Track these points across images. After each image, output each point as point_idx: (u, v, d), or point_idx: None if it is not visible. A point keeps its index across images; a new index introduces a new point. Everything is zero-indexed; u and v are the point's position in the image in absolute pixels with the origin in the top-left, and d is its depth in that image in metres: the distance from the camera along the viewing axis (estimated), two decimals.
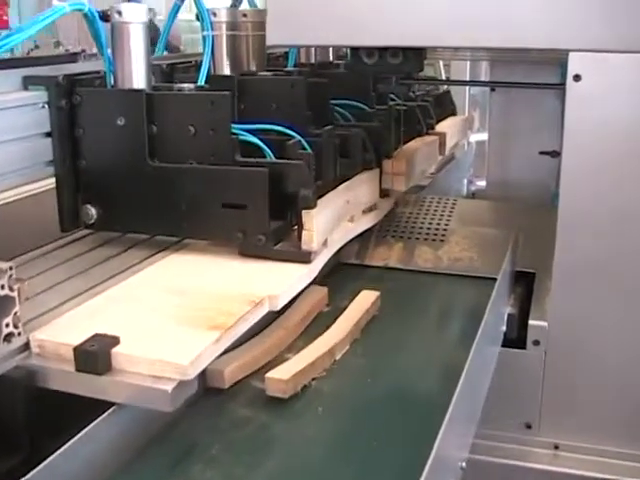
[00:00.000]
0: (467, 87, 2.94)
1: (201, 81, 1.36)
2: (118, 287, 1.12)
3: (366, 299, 1.31)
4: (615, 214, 1.30)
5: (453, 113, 2.42)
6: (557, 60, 1.73)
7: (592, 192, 1.30)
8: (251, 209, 1.20)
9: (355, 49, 1.47)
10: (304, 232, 1.21)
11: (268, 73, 1.54)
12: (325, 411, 1.02)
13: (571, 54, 1.25)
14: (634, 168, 1.27)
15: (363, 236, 1.57)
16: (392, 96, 1.85)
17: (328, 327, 1.21)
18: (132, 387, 0.87)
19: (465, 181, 2.84)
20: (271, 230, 1.21)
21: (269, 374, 1.03)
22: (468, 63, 2.75)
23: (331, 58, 1.98)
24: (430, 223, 1.71)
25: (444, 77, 4.12)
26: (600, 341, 1.36)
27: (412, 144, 1.82)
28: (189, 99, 1.27)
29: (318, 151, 1.28)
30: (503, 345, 1.40)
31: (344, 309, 1.27)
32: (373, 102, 1.70)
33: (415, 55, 1.46)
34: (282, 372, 1.04)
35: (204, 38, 1.43)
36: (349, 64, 1.54)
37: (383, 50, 1.44)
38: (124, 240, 1.34)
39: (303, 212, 1.20)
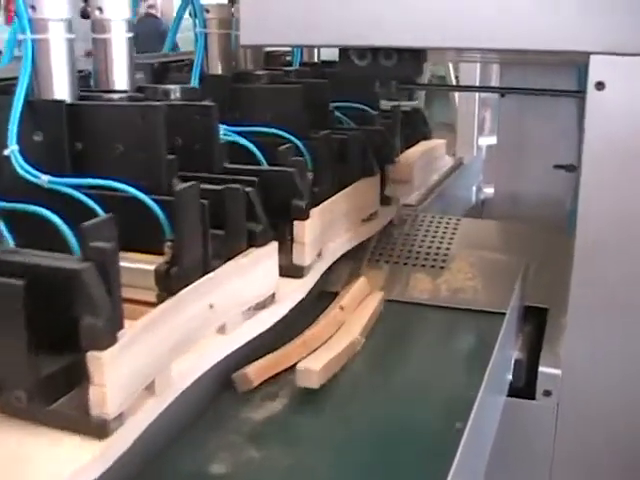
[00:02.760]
0: (477, 82, 2.73)
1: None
2: None
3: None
4: None
5: (426, 137, 1.95)
6: (575, 63, 1.54)
7: (615, 215, 1.11)
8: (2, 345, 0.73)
9: (345, 50, 1.30)
10: (92, 387, 0.71)
11: (119, 95, 1.05)
12: None
13: (593, 58, 1.05)
14: None
15: (355, 259, 1.42)
16: (342, 117, 1.52)
17: None
18: None
19: (474, 188, 2.66)
20: (40, 380, 0.73)
21: None
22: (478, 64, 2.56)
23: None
24: (429, 247, 1.52)
25: (453, 77, 3.94)
26: (623, 393, 1.16)
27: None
28: None
29: (172, 216, 0.89)
30: (508, 394, 1.21)
31: None
32: (306, 128, 1.29)
33: (412, 57, 1.29)
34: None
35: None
36: (339, 67, 1.37)
37: (376, 51, 1.27)
38: None
39: (89, 355, 0.71)
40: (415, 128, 1.84)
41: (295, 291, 1.12)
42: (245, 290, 0.99)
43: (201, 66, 1.32)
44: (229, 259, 0.96)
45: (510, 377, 1.21)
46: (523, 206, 1.92)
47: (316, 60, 1.81)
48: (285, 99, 1.31)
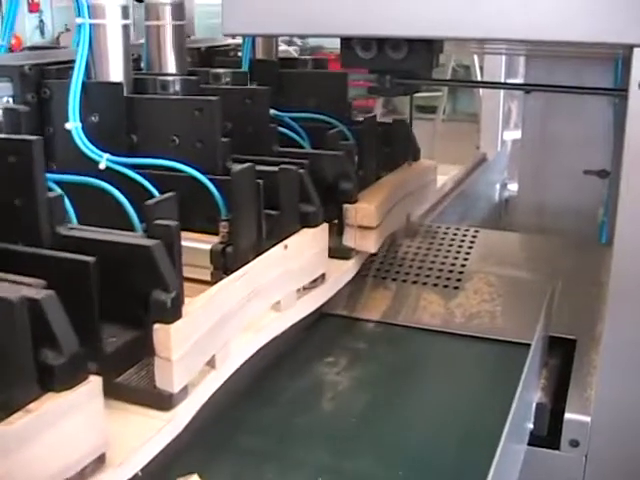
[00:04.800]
0: (502, 73, 2.54)
1: None
2: None
3: None
4: None
5: (413, 158, 1.43)
6: (613, 57, 1.36)
7: None
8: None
9: (347, 39, 1.15)
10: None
11: None
12: None
13: (637, 52, 0.89)
14: None
15: (356, 279, 1.23)
16: (295, 135, 1.21)
17: None
18: None
19: (497, 186, 2.50)
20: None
21: None
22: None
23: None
24: (442, 263, 1.36)
25: (478, 67, 3.71)
26: None
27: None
28: None
29: None
30: (528, 443, 1.05)
31: None
32: (226, 157, 0.99)
33: (424, 48, 1.13)
34: None
35: None
36: (340, 59, 1.20)
37: (383, 41, 1.11)
38: None
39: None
40: (397, 147, 1.37)
41: (150, 442, 0.70)
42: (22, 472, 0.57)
43: (85, 70, 0.96)
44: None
45: (531, 425, 1.04)
46: (549, 215, 1.75)
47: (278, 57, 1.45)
48: (197, 115, 0.98)
